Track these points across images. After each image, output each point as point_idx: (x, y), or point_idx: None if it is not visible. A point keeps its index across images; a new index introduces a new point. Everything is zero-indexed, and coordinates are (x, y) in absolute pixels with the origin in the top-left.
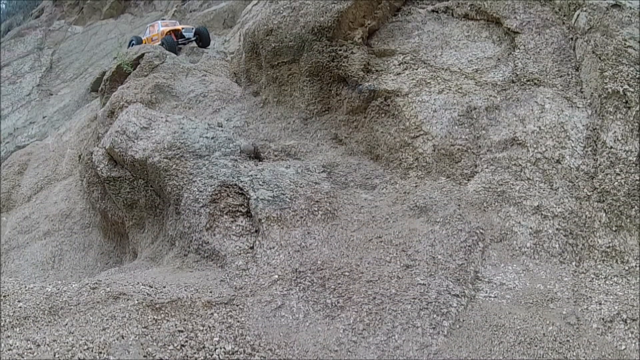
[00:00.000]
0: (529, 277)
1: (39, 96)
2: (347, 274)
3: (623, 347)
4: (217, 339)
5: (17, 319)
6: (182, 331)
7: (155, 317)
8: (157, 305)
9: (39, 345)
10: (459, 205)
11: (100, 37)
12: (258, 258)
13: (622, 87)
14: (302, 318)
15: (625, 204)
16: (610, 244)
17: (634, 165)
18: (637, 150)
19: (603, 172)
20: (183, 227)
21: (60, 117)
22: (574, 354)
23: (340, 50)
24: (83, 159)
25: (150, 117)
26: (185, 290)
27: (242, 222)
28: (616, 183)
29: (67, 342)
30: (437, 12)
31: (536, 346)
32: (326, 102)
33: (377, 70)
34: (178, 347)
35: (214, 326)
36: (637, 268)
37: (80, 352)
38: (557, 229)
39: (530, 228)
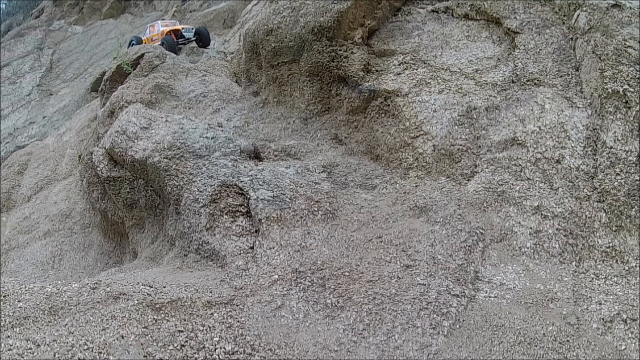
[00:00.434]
0: (529, 277)
1: (39, 96)
2: (347, 274)
3: (623, 347)
4: (217, 339)
5: (17, 319)
6: (182, 331)
7: (155, 317)
8: (157, 305)
9: (39, 345)
10: (459, 205)
11: (100, 37)
12: (258, 258)
13: (622, 87)
14: (302, 318)
15: (625, 204)
16: (610, 244)
17: (634, 165)
18: (637, 150)
19: (603, 172)
20: (183, 227)
21: (60, 117)
22: (574, 354)
23: (340, 50)
24: (83, 159)
25: (150, 117)
26: (185, 290)
27: (242, 222)
28: (616, 183)
29: (67, 342)
30: (437, 12)
31: (536, 346)
32: (326, 102)
33: (377, 70)
34: (178, 347)
35: (214, 326)
36: (637, 268)
37: (80, 352)
38: (557, 229)
39: (530, 228)
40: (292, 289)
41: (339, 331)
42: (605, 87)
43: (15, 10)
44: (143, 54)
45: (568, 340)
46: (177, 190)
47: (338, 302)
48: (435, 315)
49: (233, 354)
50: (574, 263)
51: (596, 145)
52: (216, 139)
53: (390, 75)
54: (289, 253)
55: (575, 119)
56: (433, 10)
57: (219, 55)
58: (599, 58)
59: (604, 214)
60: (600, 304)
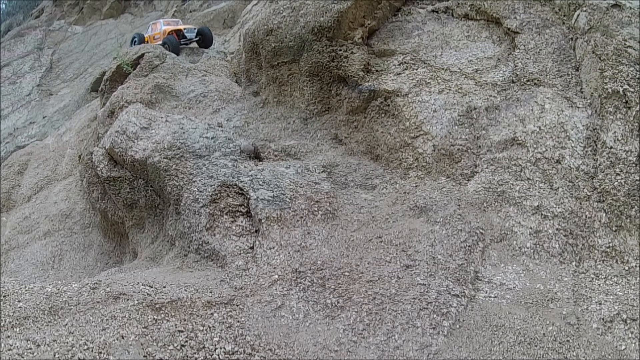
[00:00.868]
0: (529, 277)
1: (39, 96)
2: (347, 274)
3: (623, 347)
4: (217, 339)
5: (17, 319)
6: (182, 331)
7: (155, 317)
8: (157, 305)
9: (39, 345)
10: (459, 205)
11: (100, 37)
12: (258, 258)
13: (622, 87)
14: (302, 318)
15: (625, 204)
16: (610, 244)
17: (634, 165)
18: (637, 150)
19: (603, 172)
20: (183, 227)
21: (60, 117)
22: (574, 354)
23: (340, 50)
24: (83, 159)
25: (150, 117)
26: (185, 290)
27: (242, 222)
28: (616, 183)
29: (67, 342)
30: (437, 12)
31: (536, 346)
32: (326, 102)
33: (377, 70)
34: (178, 347)
35: (214, 326)
36: (637, 268)
37: (80, 352)
38: (557, 229)
39: (530, 228)
40: (292, 289)
41: (339, 331)
42: (605, 87)
43: (15, 10)
44: (143, 54)
45: (568, 340)
46: (177, 190)
47: (338, 302)
48: (435, 315)
49: (233, 354)
50: (574, 263)
51: (596, 145)
52: (216, 139)
53: (390, 75)
54: (289, 253)
55: (575, 119)
56: (433, 10)
57: (219, 55)
58: (599, 58)
59: (604, 214)
60: (600, 304)
